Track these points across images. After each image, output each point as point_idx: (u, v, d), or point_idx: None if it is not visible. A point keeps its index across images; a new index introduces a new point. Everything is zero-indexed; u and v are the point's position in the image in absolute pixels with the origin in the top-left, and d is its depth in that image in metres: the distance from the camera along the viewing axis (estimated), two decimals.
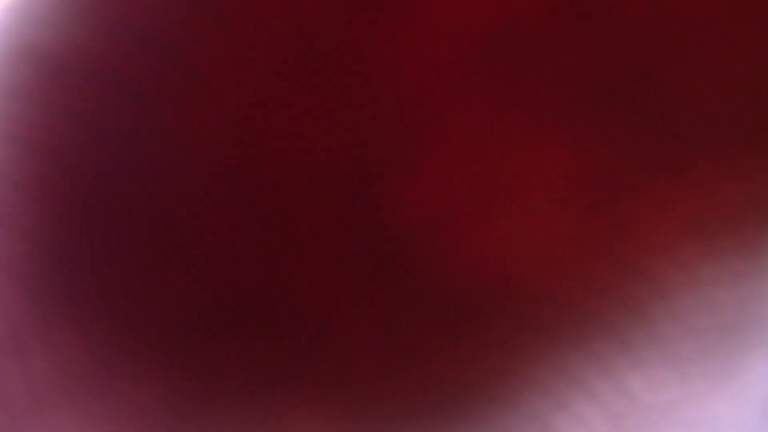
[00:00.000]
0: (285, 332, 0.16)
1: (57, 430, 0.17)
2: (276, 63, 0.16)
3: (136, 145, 0.17)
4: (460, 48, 0.16)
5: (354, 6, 0.17)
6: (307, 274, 0.16)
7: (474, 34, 0.16)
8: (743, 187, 0.17)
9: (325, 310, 0.16)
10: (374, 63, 0.16)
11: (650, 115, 0.16)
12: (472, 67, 0.16)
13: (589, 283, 0.16)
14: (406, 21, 0.16)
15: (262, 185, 0.16)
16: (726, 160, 0.17)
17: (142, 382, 0.16)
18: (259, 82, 0.16)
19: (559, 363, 0.16)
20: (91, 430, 0.17)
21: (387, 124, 0.16)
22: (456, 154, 0.16)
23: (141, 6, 0.17)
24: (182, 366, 0.16)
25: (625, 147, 0.16)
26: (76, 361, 0.17)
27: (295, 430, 0.16)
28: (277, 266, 0.16)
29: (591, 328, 0.16)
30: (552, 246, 0.16)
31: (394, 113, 0.16)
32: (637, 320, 0.17)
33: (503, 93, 0.16)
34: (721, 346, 0.17)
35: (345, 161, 0.16)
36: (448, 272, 0.16)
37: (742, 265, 0.17)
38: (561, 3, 0.17)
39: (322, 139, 0.16)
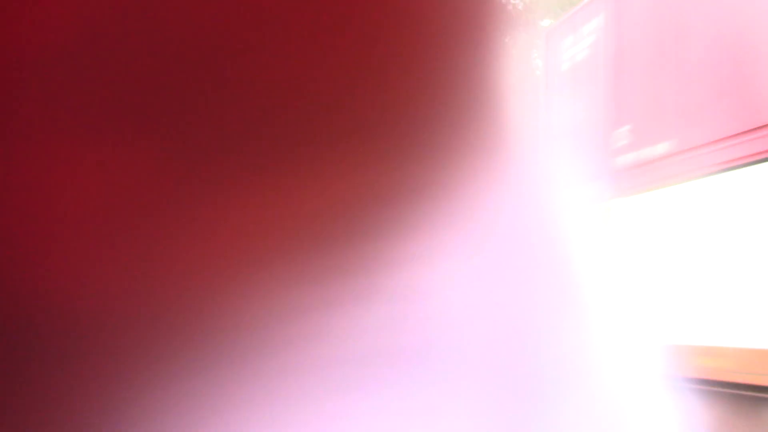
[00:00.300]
0: None
1: None
2: None
3: None
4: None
5: None
6: None
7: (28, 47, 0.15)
8: (320, 190, 0.16)
9: None
10: None
11: (200, 126, 0.16)
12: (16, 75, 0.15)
13: (151, 306, 0.15)
14: None
15: None
16: (294, 162, 0.16)
17: None
18: None
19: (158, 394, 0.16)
20: None
21: None
22: None
23: None
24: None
25: (176, 157, 0.15)
26: None
27: None
28: None
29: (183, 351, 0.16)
30: (100, 263, 0.15)
31: None
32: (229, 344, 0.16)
33: (50, 102, 0.15)
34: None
35: None
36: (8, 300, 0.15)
37: (358, 284, 0.16)
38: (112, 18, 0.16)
39: None
